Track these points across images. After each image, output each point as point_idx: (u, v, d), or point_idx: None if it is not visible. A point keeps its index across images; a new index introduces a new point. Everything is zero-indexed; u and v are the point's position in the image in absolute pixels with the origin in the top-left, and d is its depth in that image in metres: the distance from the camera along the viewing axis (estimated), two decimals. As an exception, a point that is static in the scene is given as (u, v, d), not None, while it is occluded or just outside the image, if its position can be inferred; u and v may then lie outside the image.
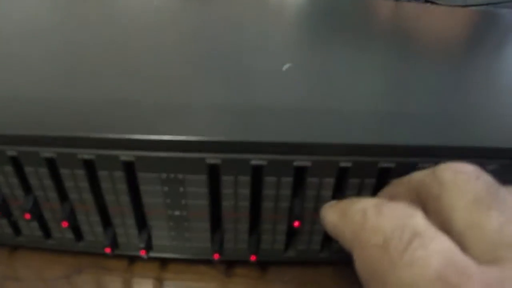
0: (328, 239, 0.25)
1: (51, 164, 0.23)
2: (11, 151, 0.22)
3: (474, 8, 0.49)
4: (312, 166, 0.21)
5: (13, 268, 0.28)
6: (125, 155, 0.21)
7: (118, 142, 0.21)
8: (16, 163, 0.23)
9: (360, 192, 0.22)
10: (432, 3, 0.50)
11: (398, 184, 0.20)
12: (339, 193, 0.23)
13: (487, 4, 0.49)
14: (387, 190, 0.21)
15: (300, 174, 0.22)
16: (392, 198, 0.19)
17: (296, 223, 0.23)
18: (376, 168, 0.21)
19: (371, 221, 0.16)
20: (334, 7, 0.42)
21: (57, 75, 0.27)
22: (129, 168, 0.22)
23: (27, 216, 0.24)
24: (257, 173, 0.22)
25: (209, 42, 0.33)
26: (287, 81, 0.26)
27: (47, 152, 0.22)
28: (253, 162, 0.21)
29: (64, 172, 0.23)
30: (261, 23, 0.39)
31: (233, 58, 0.30)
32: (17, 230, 0.27)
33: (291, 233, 0.25)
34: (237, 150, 0.21)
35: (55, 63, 0.29)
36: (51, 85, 0.25)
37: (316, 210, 0.23)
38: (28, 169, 0.23)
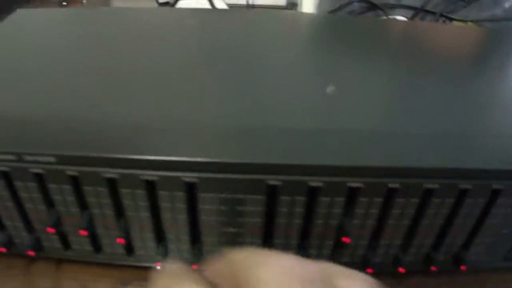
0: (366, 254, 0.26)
1: (112, 184, 0.23)
2: (71, 171, 0.23)
3: (489, 23, 0.50)
4: (364, 187, 0.23)
5: (59, 282, 0.28)
6: (188, 177, 0.22)
7: (182, 164, 0.22)
8: (75, 182, 0.24)
9: (404, 210, 0.24)
10: (447, 17, 0.52)
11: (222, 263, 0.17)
12: (385, 211, 0.24)
13: (500, 20, 0.51)
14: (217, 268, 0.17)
15: (352, 194, 0.23)
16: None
17: (345, 239, 0.24)
18: (422, 189, 0.23)
19: None
20: (351, 26, 0.44)
21: (113, 98, 0.28)
22: (191, 189, 0.23)
23: (84, 233, 0.25)
24: (313, 194, 0.23)
25: (244, 65, 0.34)
26: (332, 102, 0.28)
27: (109, 173, 0.23)
28: (311, 184, 0.23)
29: (124, 191, 0.24)
30: (283, 46, 0.40)
31: (278, 81, 0.31)
32: (66, 244, 0.27)
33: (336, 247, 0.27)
34: (296, 173, 0.22)
35: (105, 87, 0.29)
36: (110, 107, 0.26)
37: (363, 227, 0.25)
38: (87, 189, 0.24)
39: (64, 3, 0.73)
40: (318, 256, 0.26)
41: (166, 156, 0.22)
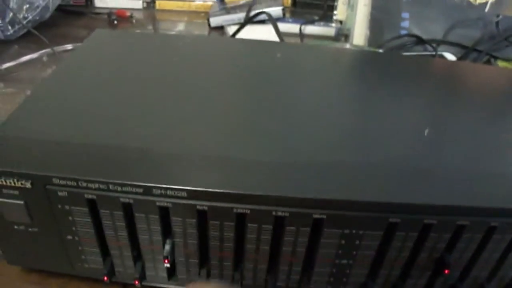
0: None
1: (240, 219, 0.25)
2: (200, 206, 0.24)
3: None
4: (470, 225, 0.25)
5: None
6: (318, 213, 0.24)
7: (312, 202, 0.24)
8: (202, 216, 0.25)
9: (499, 245, 0.27)
10: (492, 56, 0.56)
11: None
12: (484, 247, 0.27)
13: None
14: None
15: (458, 232, 0.26)
16: None
17: (446, 271, 0.27)
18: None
19: None
20: (397, 65, 0.46)
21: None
22: (318, 225, 0.25)
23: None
24: (425, 231, 0.25)
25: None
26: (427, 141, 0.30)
27: (239, 209, 0.24)
28: (425, 221, 0.25)
29: (250, 226, 0.25)
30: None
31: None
32: (172, 273, 0.28)
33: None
34: (414, 211, 0.25)
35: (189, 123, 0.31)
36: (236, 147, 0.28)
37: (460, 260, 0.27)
38: (213, 222, 0.25)
39: (115, 22, 0.74)
40: (415, 285, 0.29)
41: (298, 194, 0.24)
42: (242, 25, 0.61)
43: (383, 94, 0.37)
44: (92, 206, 0.26)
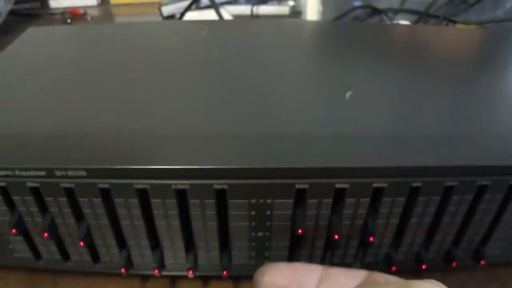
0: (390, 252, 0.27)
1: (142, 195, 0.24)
2: (102, 184, 0.24)
3: (491, 25, 0.51)
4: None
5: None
6: (218, 184, 0.23)
7: (211, 171, 0.23)
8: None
9: (426, 208, 0.25)
10: (450, 20, 0.53)
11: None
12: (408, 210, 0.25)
13: (502, 21, 0.52)
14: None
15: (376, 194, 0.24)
16: None
17: (371, 239, 0.25)
18: (443, 187, 0.24)
19: None
20: (356, 32, 0.45)
21: (132, 111, 0.29)
22: (221, 196, 0.24)
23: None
24: (339, 195, 0.24)
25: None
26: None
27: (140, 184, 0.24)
28: (337, 186, 0.23)
29: (154, 201, 0.24)
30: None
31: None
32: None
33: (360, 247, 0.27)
34: (324, 176, 0.23)
35: (120, 101, 0.30)
36: (130, 121, 0.27)
37: (387, 226, 0.26)
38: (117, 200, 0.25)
39: (68, 21, 0.74)
40: (344, 255, 0.27)
41: (196, 165, 0.23)
42: (185, 10, 0.60)
43: (351, 64, 0.36)
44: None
